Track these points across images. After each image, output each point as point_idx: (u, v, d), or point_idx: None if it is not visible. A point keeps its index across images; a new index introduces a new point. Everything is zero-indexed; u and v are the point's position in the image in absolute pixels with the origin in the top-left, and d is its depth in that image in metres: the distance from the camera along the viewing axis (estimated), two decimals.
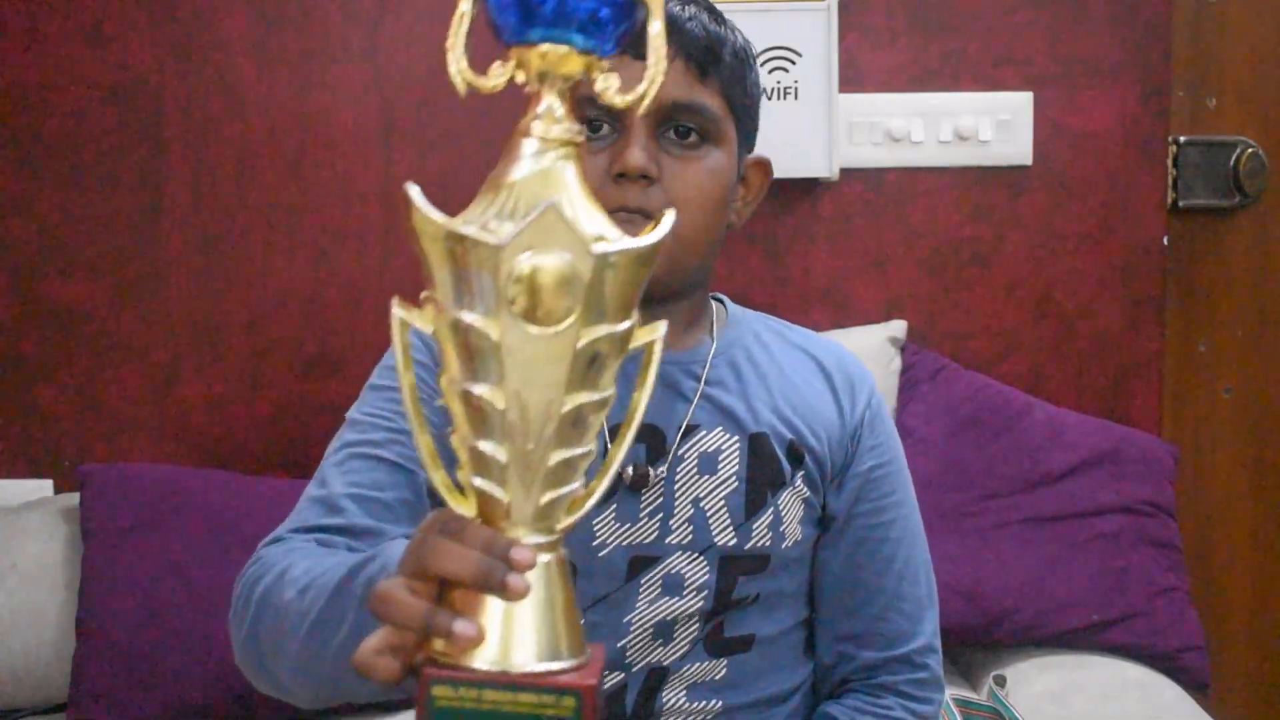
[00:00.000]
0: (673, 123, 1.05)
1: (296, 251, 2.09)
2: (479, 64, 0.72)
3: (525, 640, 0.67)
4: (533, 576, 0.67)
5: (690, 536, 1.09)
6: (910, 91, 2.12)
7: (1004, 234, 2.15)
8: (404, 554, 0.71)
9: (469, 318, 0.65)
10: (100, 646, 1.75)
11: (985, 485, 1.94)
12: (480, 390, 0.66)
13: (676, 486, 1.09)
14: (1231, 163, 2.23)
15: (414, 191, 0.65)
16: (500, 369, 0.65)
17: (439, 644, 0.67)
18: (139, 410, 2.07)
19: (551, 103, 0.69)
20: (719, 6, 1.12)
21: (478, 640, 0.66)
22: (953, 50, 2.13)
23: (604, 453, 0.73)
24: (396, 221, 2.09)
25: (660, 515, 1.09)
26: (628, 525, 1.08)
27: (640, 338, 0.69)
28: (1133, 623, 1.88)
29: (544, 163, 0.67)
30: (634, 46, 0.71)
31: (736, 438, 1.11)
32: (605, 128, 1.04)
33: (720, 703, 1.11)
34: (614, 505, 1.08)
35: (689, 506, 1.09)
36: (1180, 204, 2.22)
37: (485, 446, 0.67)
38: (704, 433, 1.11)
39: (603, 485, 0.71)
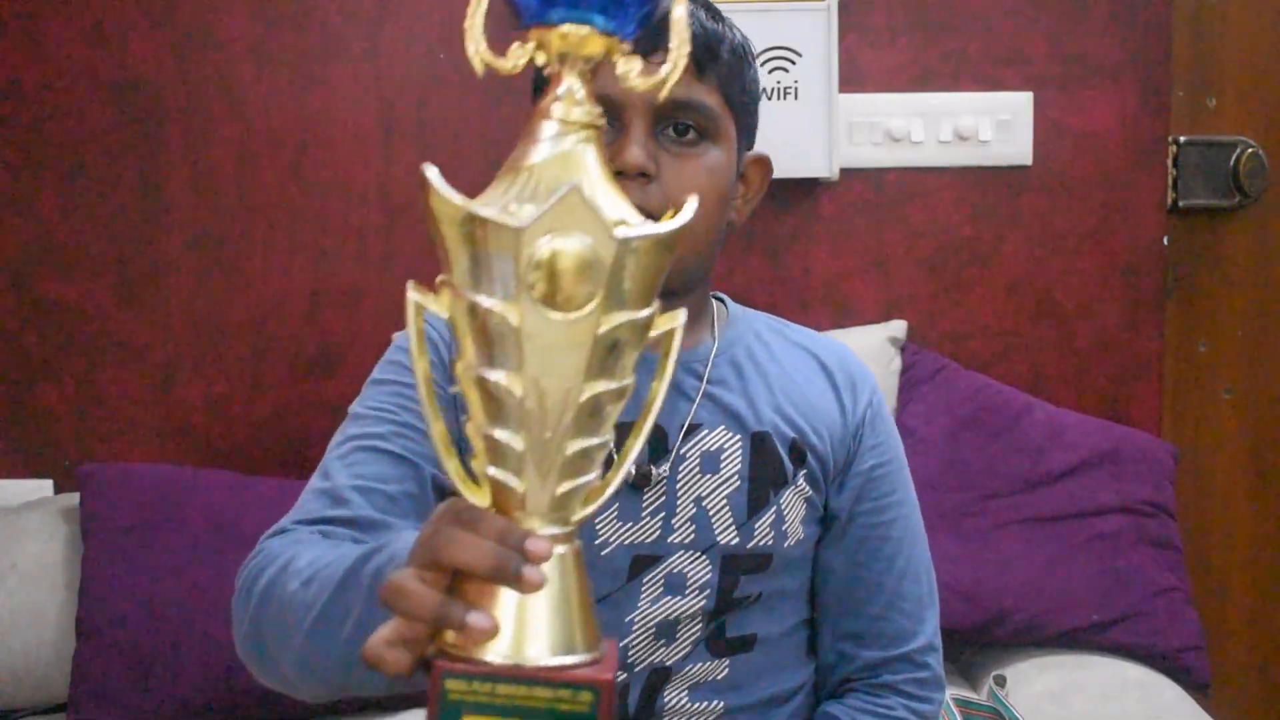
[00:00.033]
0: (670, 120, 1.05)
1: (296, 251, 2.09)
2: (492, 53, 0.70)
3: (540, 633, 0.65)
4: (548, 568, 0.65)
5: (692, 535, 1.09)
6: (910, 91, 2.12)
7: (1004, 234, 2.15)
8: (416, 544, 0.70)
9: (487, 302, 0.63)
10: (100, 646, 1.75)
11: (985, 485, 1.94)
12: (497, 377, 0.65)
13: (678, 485, 1.09)
14: (1231, 163, 2.23)
15: (432, 173, 0.64)
16: (518, 355, 0.64)
17: (451, 636, 0.66)
18: (139, 410, 2.07)
19: (572, 84, 0.67)
20: (717, 4, 1.12)
21: (492, 633, 0.64)
22: (953, 50, 2.13)
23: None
24: (396, 221, 2.09)
25: (662, 514, 1.09)
26: (630, 524, 1.08)
27: (660, 325, 0.68)
28: (1133, 623, 1.88)
29: (564, 145, 0.66)
30: (639, 42, 0.70)
31: (739, 436, 1.11)
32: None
33: (722, 704, 1.11)
34: (616, 504, 1.08)
35: (691, 505, 1.09)
36: (1180, 204, 2.22)
37: (501, 434, 0.65)
38: (706, 431, 1.11)
39: (619, 476, 0.70)
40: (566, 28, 0.67)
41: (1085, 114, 2.14)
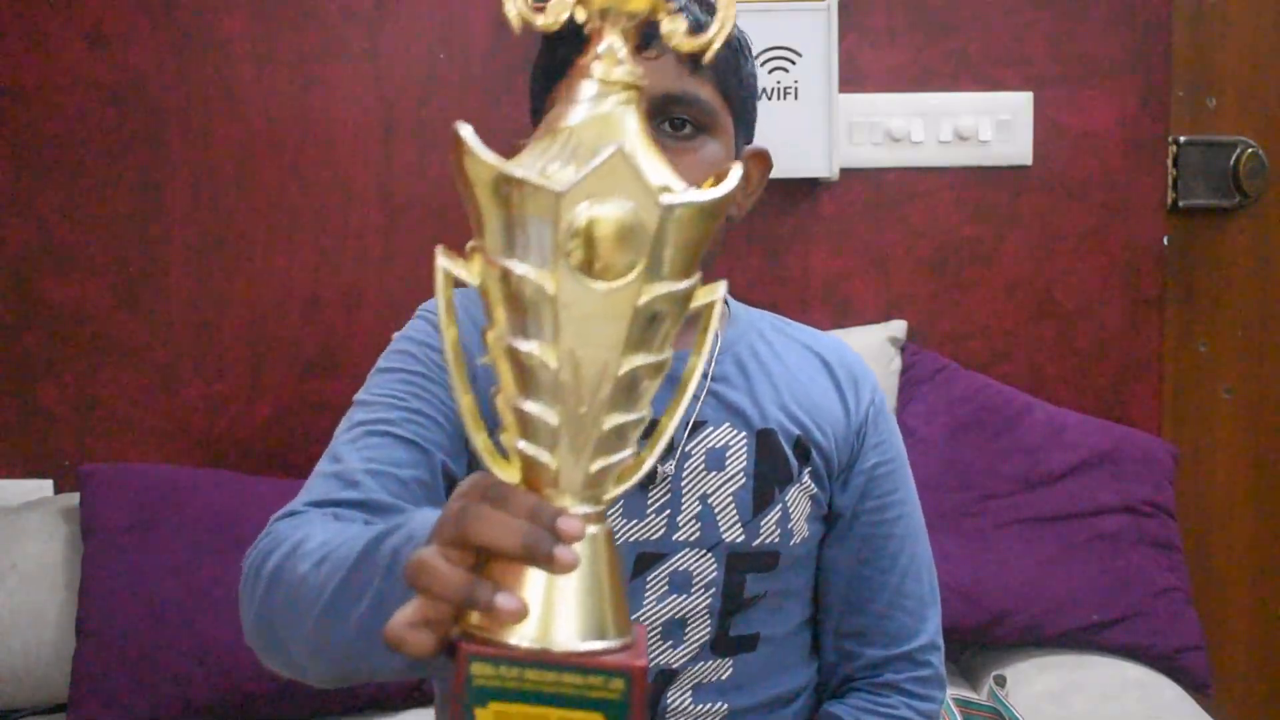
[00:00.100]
0: (666, 115, 1.04)
1: (296, 251, 2.09)
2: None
3: (569, 617, 0.62)
4: (579, 549, 0.62)
5: (698, 533, 1.09)
6: (910, 91, 2.12)
7: (1004, 234, 2.15)
8: (440, 521, 0.66)
9: (521, 269, 0.60)
10: (100, 646, 1.75)
11: (985, 485, 1.94)
12: (530, 347, 0.62)
13: (684, 482, 1.09)
14: (1231, 163, 2.23)
15: (465, 131, 0.60)
16: (554, 325, 0.61)
17: (475, 618, 0.63)
18: (139, 410, 2.07)
19: (613, 42, 0.64)
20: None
21: (520, 615, 0.61)
22: (953, 50, 2.13)
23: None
24: (396, 221, 2.09)
25: (667, 511, 1.08)
26: (634, 521, 1.08)
27: (700, 298, 0.65)
28: (1133, 623, 1.88)
29: (604, 107, 0.63)
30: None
31: (744, 434, 1.11)
32: None
33: (725, 705, 1.10)
34: (620, 501, 1.08)
35: (696, 503, 1.09)
36: (1180, 204, 2.22)
37: (533, 408, 0.63)
38: (711, 429, 1.11)
39: (654, 454, 0.67)
40: None
41: (1085, 114, 2.14)
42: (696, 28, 1.02)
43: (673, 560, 1.08)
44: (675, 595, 1.08)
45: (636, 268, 0.60)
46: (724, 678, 1.10)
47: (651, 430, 0.68)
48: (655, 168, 0.63)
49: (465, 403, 0.66)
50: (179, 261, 2.08)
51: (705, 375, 1.11)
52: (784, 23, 2.06)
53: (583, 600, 0.63)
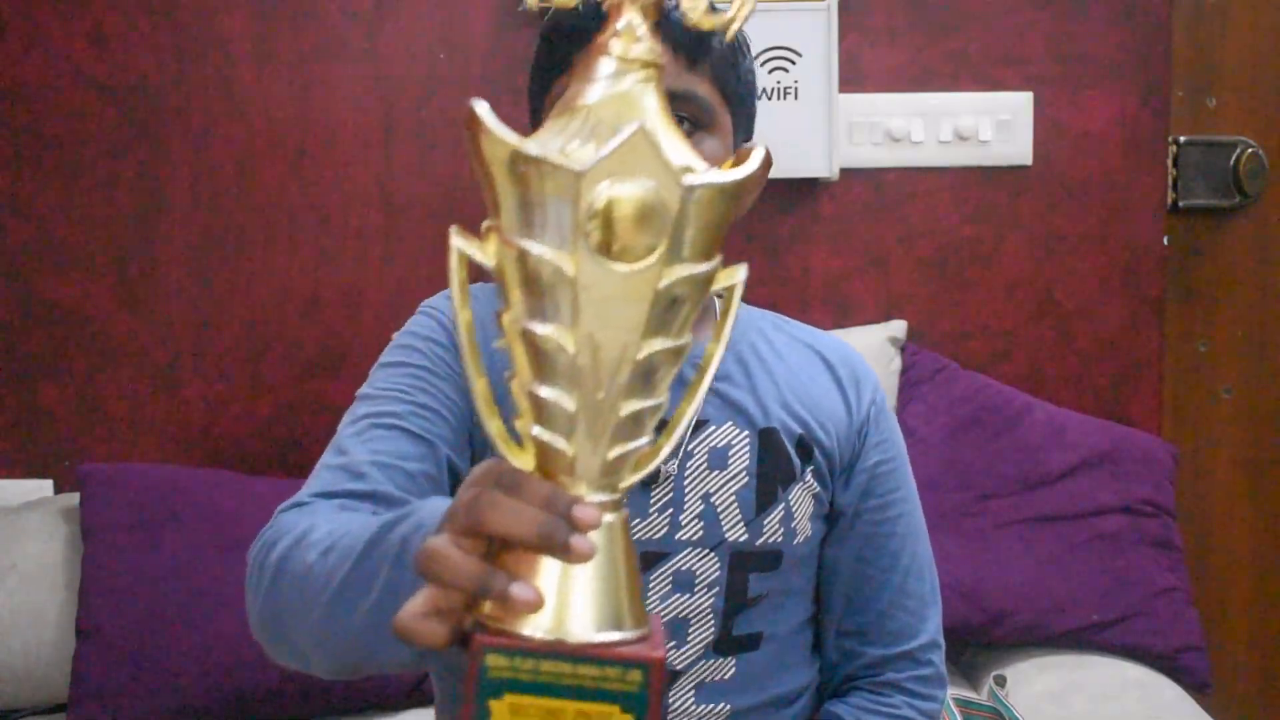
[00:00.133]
0: None
1: (296, 251, 2.09)
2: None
3: (585, 607, 0.61)
4: (595, 538, 0.61)
5: (700, 532, 1.09)
6: (910, 91, 2.12)
7: (1004, 234, 2.15)
8: (452, 509, 0.65)
9: (538, 249, 0.59)
10: (100, 646, 1.75)
11: (985, 485, 1.94)
12: (547, 331, 0.60)
13: (686, 481, 1.09)
14: (1231, 163, 2.23)
15: (482, 108, 0.59)
16: (573, 308, 0.59)
17: (488, 608, 0.61)
18: (139, 410, 2.07)
19: (632, 19, 0.62)
20: (716, 3, 1.11)
21: (537, 605, 0.60)
22: (953, 50, 2.13)
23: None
24: (396, 221, 2.09)
25: (670, 511, 1.08)
26: (637, 520, 1.07)
27: (720, 281, 0.64)
28: (1133, 623, 1.88)
29: (622, 85, 0.61)
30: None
31: (746, 433, 1.11)
32: None
33: (728, 705, 1.10)
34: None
35: (699, 502, 1.09)
36: (1180, 204, 2.22)
37: (550, 393, 0.61)
38: (714, 428, 1.11)
39: (671, 442, 0.66)
40: None
41: (1085, 114, 2.14)
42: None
43: (675, 560, 1.08)
44: (678, 595, 1.08)
45: (658, 249, 0.59)
46: (726, 677, 1.10)
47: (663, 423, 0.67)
48: (676, 148, 0.61)
49: (479, 387, 0.65)
50: (179, 261, 2.08)
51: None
52: (784, 23, 2.06)
53: (599, 590, 0.61)
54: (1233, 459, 2.27)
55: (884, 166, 2.13)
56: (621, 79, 0.62)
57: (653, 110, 0.62)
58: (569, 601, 0.61)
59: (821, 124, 2.07)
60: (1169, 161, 2.18)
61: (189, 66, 2.06)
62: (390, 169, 2.09)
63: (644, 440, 0.64)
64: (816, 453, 1.13)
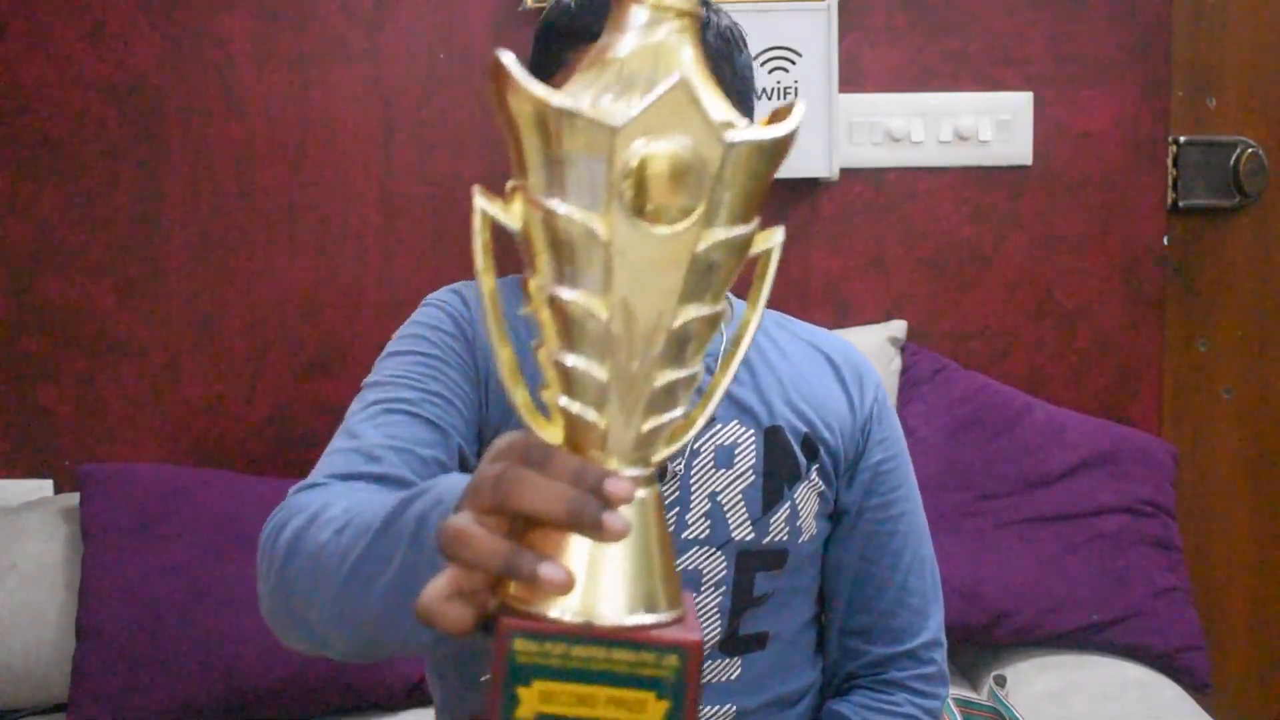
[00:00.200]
0: None
1: (296, 251, 2.09)
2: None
3: (617, 588, 0.57)
4: (627, 514, 0.57)
5: (707, 531, 1.08)
6: (910, 91, 2.12)
7: (1004, 234, 2.15)
8: (475, 485, 0.61)
9: (566, 209, 0.56)
10: (100, 646, 1.75)
11: (985, 485, 1.94)
12: (577, 297, 0.57)
13: (693, 480, 1.08)
14: (1231, 163, 2.22)
15: (508, 58, 0.55)
16: (605, 272, 0.56)
17: (514, 589, 0.58)
18: (139, 410, 2.07)
19: None
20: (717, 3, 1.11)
21: (568, 586, 0.56)
22: (953, 50, 2.13)
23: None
24: (396, 221, 2.09)
25: (676, 509, 1.08)
26: None
27: (757, 245, 0.61)
28: (1133, 623, 1.88)
29: (656, 35, 0.57)
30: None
31: (752, 431, 1.11)
32: None
33: (734, 707, 1.09)
34: None
35: (706, 500, 1.08)
36: (1180, 204, 2.22)
37: (580, 363, 0.58)
38: (720, 426, 1.10)
39: (706, 413, 0.64)
40: None
41: (1085, 114, 2.14)
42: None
43: (682, 559, 1.07)
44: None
45: (697, 210, 0.56)
46: (733, 678, 1.10)
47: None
48: (716, 103, 0.57)
49: (504, 355, 0.61)
50: (179, 261, 2.08)
51: (711, 372, 1.10)
52: (784, 23, 2.06)
53: (631, 570, 0.58)
54: (1233, 459, 2.27)
55: (884, 166, 2.13)
56: (655, 29, 0.57)
57: (689, 62, 0.57)
58: (600, 582, 0.58)
59: (821, 124, 2.07)
60: (1169, 161, 2.18)
61: (189, 66, 2.06)
62: (390, 169, 2.09)
63: (678, 412, 0.61)
64: (822, 451, 1.13)
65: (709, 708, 1.09)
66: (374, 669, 1.78)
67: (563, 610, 0.57)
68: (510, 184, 0.59)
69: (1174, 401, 2.24)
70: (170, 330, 2.08)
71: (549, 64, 1.05)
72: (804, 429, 1.12)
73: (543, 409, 0.61)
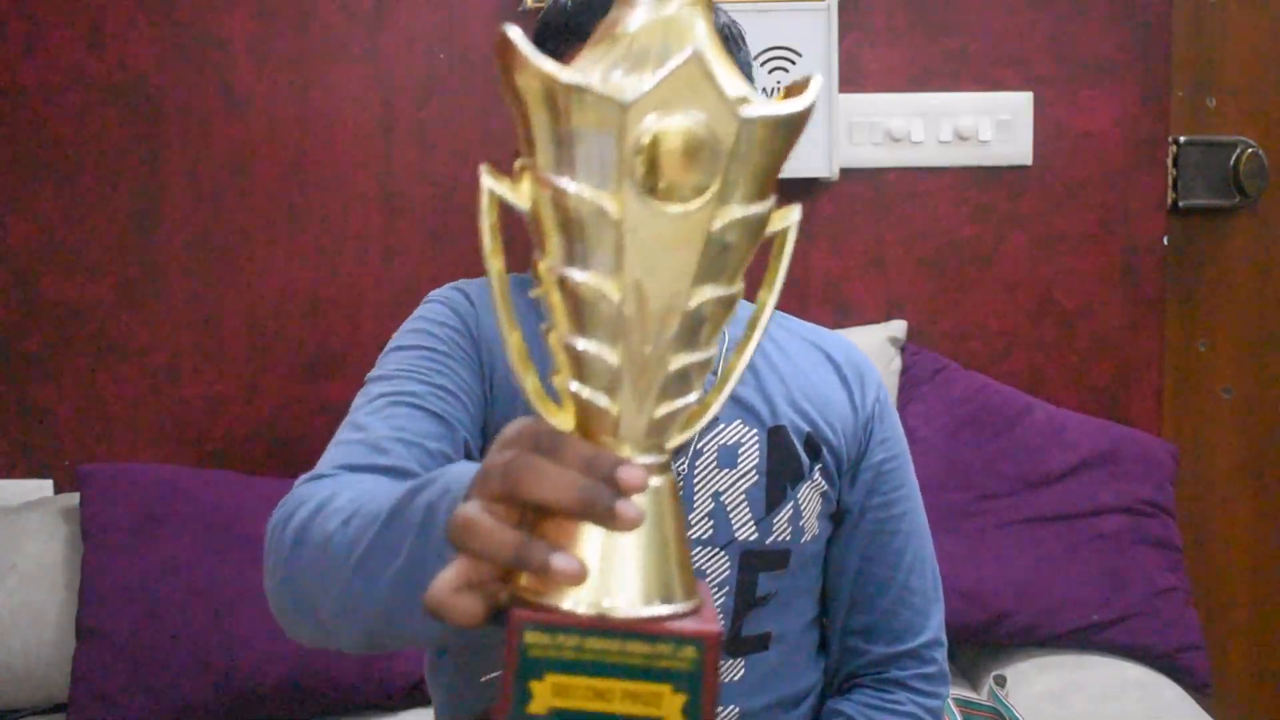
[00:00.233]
0: None
1: (296, 251, 2.08)
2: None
3: (631, 579, 0.56)
4: (641, 503, 0.56)
5: (711, 531, 1.08)
6: (910, 91, 2.12)
7: (1004, 234, 2.15)
8: (484, 474, 0.60)
9: (576, 187, 0.54)
10: (100, 646, 1.75)
11: (985, 485, 1.94)
12: (588, 278, 0.55)
13: (696, 480, 1.08)
14: (1231, 163, 2.22)
15: (515, 33, 0.54)
16: (616, 253, 0.54)
17: (525, 580, 0.57)
18: (139, 410, 2.07)
19: None
20: (717, 3, 1.11)
21: (581, 577, 0.55)
22: (953, 50, 2.13)
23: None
24: (396, 221, 2.09)
25: None
26: None
27: (774, 224, 0.59)
28: (1133, 623, 1.88)
29: (668, 9, 0.55)
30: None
31: (755, 431, 1.10)
32: None
33: (736, 709, 1.09)
34: None
35: (709, 500, 1.08)
36: (1180, 204, 2.22)
37: (591, 347, 0.56)
38: (723, 426, 1.10)
39: (721, 398, 0.62)
40: None
41: (1085, 114, 2.14)
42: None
43: None
44: None
45: (712, 188, 0.54)
46: (736, 679, 1.09)
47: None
48: (729, 78, 0.55)
49: (513, 340, 0.59)
50: (179, 261, 2.08)
51: (714, 372, 1.10)
52: (784, 23, 2.06)
53: (646, 559, 0.56)
54: (1232, 459, 2.27)
55: (884, 166, 2.13)
56: (667, 3, 0.55)
57: (703, 36, 0.55)
58: (613, 572, 0.56)
59: (821, 124, 2.07)
60: (1169, 161, 2.18)
61: (189, 66, 2.06)
62: (390, 169, 2.09)
63: (692, 397, 0.59)
64: (824, 451, 1.13)
65: None
66: (374, 669, 1.78)
67: (576, 602, 0.56)
68: (518, 163, 0.58)
69: (1174, 401, 2.23)
70: (170, 330, 2.08)
71: None
72: (807, 428, 1.12)
73: (553, 395, 0.60)
